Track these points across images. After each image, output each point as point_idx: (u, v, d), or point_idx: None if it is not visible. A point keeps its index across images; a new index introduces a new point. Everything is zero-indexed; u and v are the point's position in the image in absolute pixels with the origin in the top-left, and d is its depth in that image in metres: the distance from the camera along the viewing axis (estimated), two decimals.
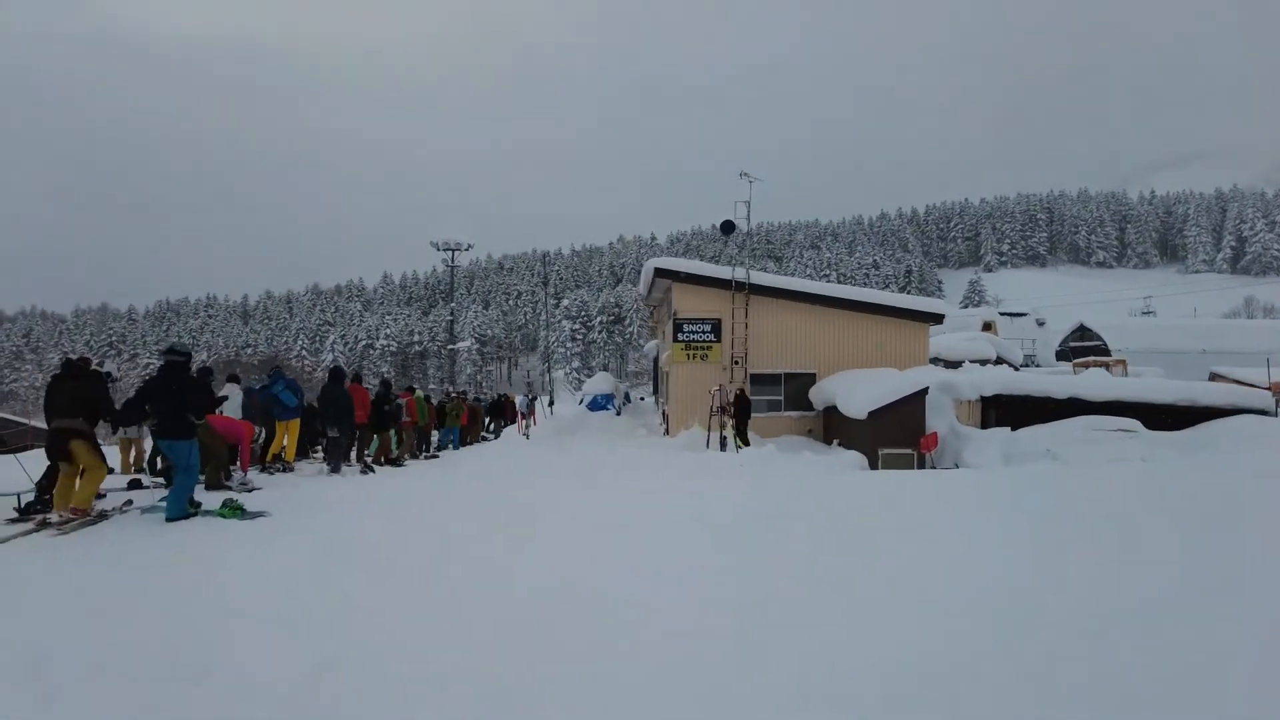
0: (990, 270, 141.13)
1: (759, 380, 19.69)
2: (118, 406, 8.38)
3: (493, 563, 5.62)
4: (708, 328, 19.68)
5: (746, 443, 17.10)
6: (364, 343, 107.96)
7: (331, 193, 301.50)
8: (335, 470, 12.58)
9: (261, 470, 12.63)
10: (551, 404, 28.09)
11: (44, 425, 8.22)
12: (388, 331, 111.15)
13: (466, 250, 56.92)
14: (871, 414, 16.71)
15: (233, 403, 12.58)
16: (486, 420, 27.11)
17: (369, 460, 14.40)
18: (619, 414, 25.11)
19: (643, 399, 33.72)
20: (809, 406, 19.92)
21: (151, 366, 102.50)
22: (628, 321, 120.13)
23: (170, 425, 7.42)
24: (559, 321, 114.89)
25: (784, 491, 8.61)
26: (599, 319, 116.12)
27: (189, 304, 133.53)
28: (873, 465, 16.53)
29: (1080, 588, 4.51)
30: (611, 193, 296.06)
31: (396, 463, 15.20)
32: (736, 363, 19.63)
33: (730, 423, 16.79)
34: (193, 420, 7.53)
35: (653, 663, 3.74)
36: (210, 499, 8.30)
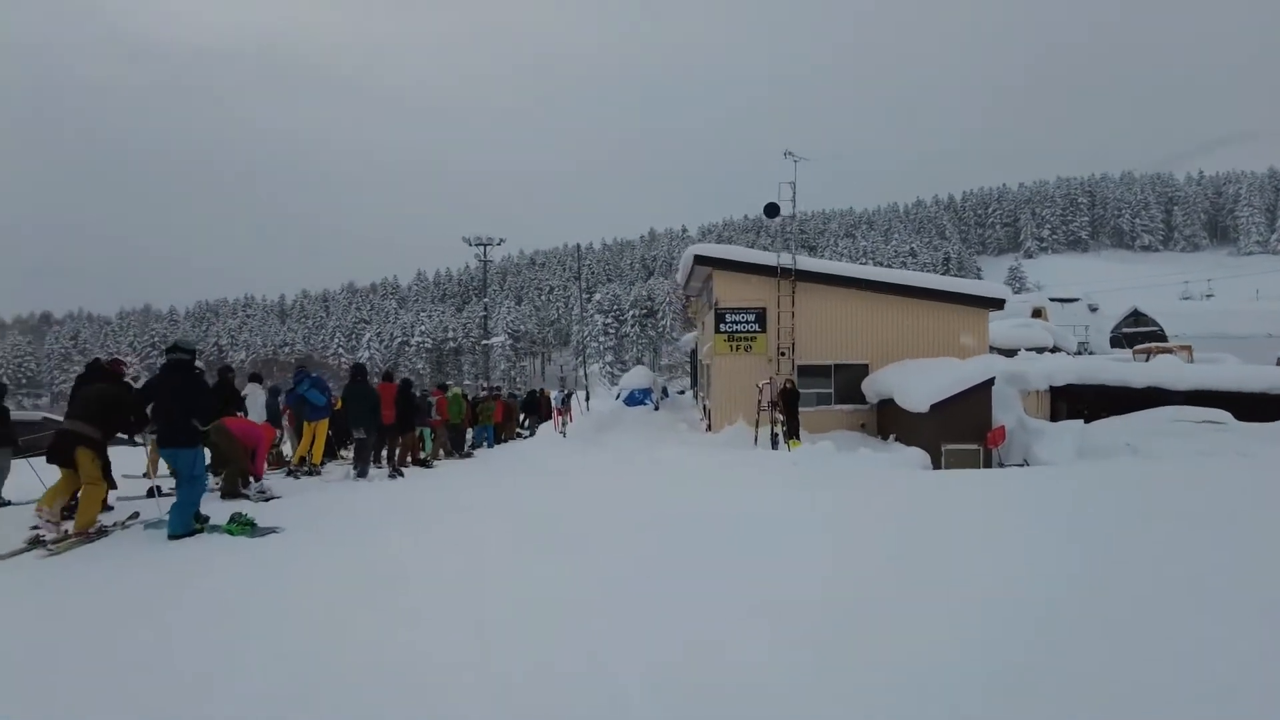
0: (1030, 256, 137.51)
1: (807, 372, 18.58)
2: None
3: (533, 602, 4.66)
4: (751, 317, 18.62)
5: (797, 439, 16.04)
6: (399, 340, 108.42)
7: (366, 192, 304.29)
8: (362, 475, 11.79)
9: (288, 474, 11.96)
10: (588, 399, 27.16)
11: None
12: (422, 328, 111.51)
13: (499, 245, 56.36)
14: (934, 407, 15.55)
15: (254, 404, 11.91)
16: (521, 417, 26.35)
17: (396, 463, 13.62)
18: (657, 409, 24.15)
19: (680, 393, 32.70)
20: (861, 400, 18.77)
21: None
22: (660, 315, 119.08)
23: (172, 431, 6.62)
24: (591, 316, 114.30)
25: (865, 519, 7.61)
26: (631, 313, 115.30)
27: (227, 304, 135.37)
28: (935, 462, 15.39)
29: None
30: (642, 186, 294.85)
31: (425, 464, 14.43)
32: (783, 354, 18.54)
33: (781, 418, 15.72)
34: (197, 426, 6.72)
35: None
36: (223, 510, 7.54)
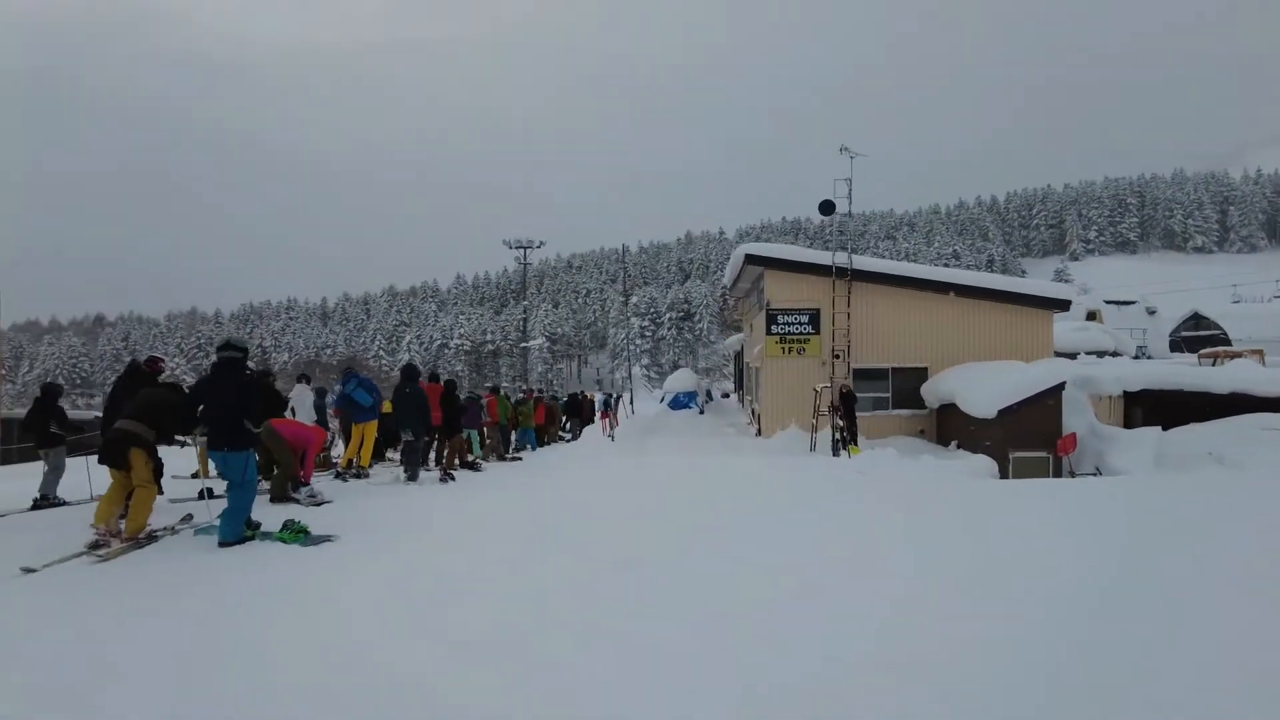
0: (1076, 259, 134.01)
1: (863, 375, 17.91)
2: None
3: (602, 635, 4.17)
4: (805, 319, 18.01)
5: (856, 445, 15.40)
6: (439, 342, 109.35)
7: (405, 195, 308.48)
8: (413, 478, 11.44)
9: (336, 477, 11.69)
10: (632, 402, 26.72)
11: None
12: (461, 331, 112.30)
13: (538, 248, 56.41)
14: (1001, 413, 14.82)
15: (302, 405, 11.66)
16: (563, 419, 26.01)
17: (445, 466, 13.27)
18: (702, 413, 23.62)
19: (725, 396, 32.11)
20: (920, 404, 18.04)
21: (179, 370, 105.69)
22: (697, 318, 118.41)
23: (222, 434, 6.30)
24: (628, 319, 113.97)
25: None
26: (668, 315, 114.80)
27: (270, 306, 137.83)
28: (1002, 470, 14.65)
29: None
30: (678, 189, 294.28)
31: (474, 466, 14.08)
32: (837, 356, 17.90)
33: (841, 424, 15.09)
34: (250, 429, 6.39)
35: None
36: (272, 515, 7.21)
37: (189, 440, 9.43)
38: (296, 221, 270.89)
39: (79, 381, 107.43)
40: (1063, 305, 18.58)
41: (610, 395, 22.36)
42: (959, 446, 16.55)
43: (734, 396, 30.66)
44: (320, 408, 12.23)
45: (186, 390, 7.66)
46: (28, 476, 15.90)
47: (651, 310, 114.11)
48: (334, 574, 5.40)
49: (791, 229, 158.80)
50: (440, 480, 11.52)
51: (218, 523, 7.13)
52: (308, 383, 12.28)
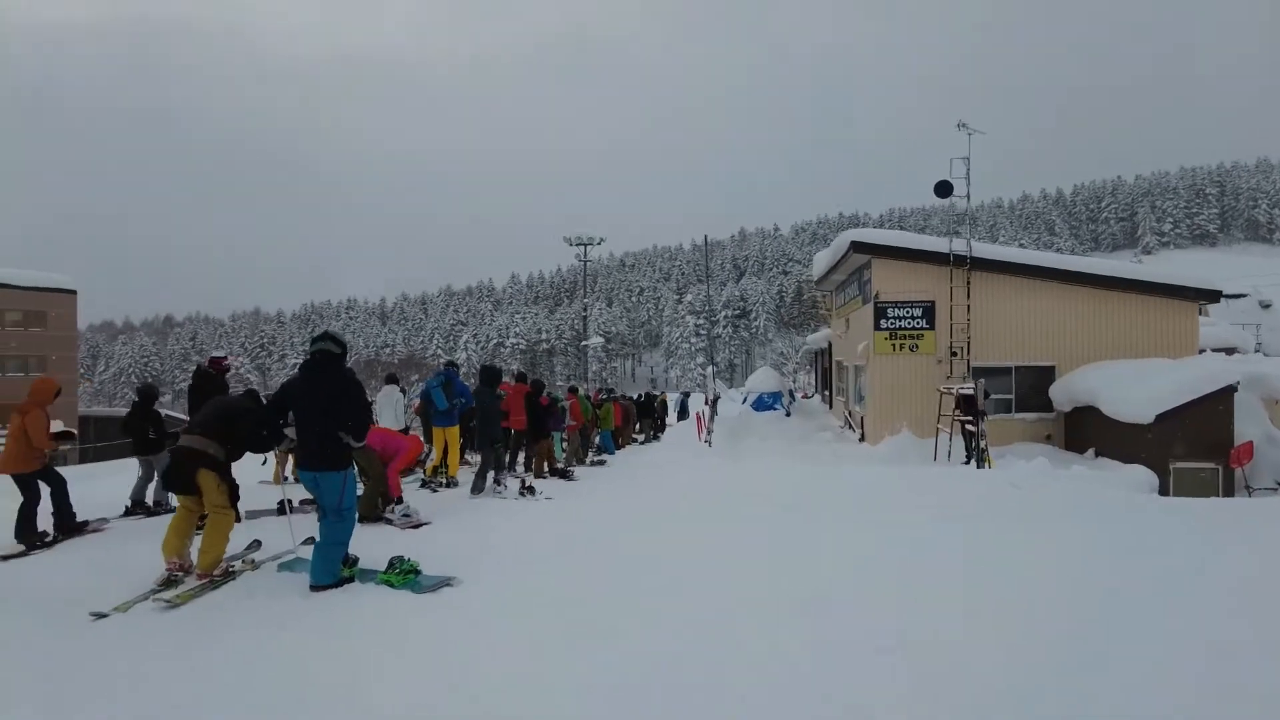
0: (1149, 252, 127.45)
1: (982, 375, 16.09)
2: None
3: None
4: (918, 312, 16.30)
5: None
6: (495, 341, 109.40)
7: (464, 196, 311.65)
8: (477, 491, 9.97)
9: (422, 485, 10.54)
10: (716, 403, 25.21)
11: None
12: (517, 330, 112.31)
13: (598, 245, 55.37)
14: (1160, 418, 12.95)
15: (389, 409, 10.50)
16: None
17: (524, 477, 11.86)
18: (789, 415, 22.01)
19: (807, 397, 30.36)
20: (1047, 407, 16.19)
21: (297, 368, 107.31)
22: (754, 316, 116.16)
23: (317, 449, 5.05)
24: (683, 317, 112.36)
25: None
26: (724, 314, 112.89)
27: (331, 306, 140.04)
28: (1162, 484, 12.80)
29: None
30: (731, 185, 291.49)
31: (565, 474, 12.79)
32: (955, 354, 16.16)
33: (975, 430, 13.36)
34: (351, 443, 5.12)
35: None
36: (365, 541, 5.96)
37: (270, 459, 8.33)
38: (355, 223, 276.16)
39: (150, 379, 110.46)
40: (1212, 296, 16.53)
41: (714, 396, 20.57)
42: (1098, 455, 14.70)
43: (816, 397, 28.92)
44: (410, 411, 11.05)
45: (261, 396, 6.51)
46: (108, 475, 15.26)
47: (706, 309, 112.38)
48: (467, 636, 4.07)
49: (848, 223, 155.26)
50: (520, 494, 10.10)
51: (301, 552, 5.95)
52: (396, 383, 11.12)
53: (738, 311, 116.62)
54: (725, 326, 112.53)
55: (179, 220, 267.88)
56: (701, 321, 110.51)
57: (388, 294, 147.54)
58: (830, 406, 24.24)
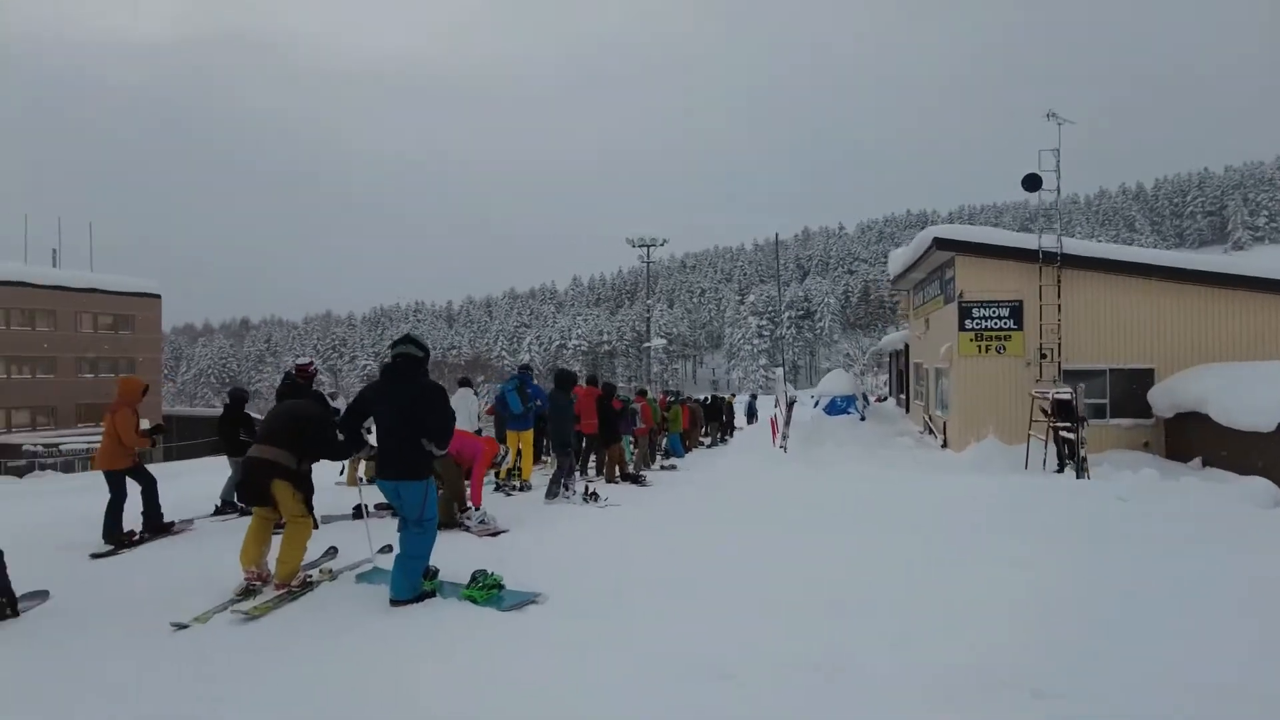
0: (1241, 248, 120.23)
1: (1075, 378, 15.17)
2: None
3: None
4: (1005, 312, 15.48)
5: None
6: (557, 343, 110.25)
7: (524, 200, 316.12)
8: (551, 496, 9.79)
9: (496, 489, 10.40)
10: (790, 407, 24.58)
11: None
12: (579, 332, 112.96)
13: (661, 245, 55.18)
14: None
15: (464, 412, 10.37)
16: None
17: (590, 483, 11.59)
18: (863, 419, 21.29)
19: (880, 400, 29.45)
20: (1145, 412, 15.17)
21: (370, 370, 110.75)
22: (818, 316, 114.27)
23: (398, 457, 4.83)
24: (745, 318, 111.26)
25: None
26: (787, 314, 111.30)
27: (399, 309, 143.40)
28: None
29: None
30: (795, 184, 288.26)
31: (637, 479, 12.49)
32: (1045, 356, 15.29)
33: (1073, 437, 12.53)
34: (434, 451, 4.90)
35: None
36: (443, 550, 5.75)
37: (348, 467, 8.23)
38: (422, 227, 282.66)
39: (226, 381, 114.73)
40: None
41: (790, 400, 19.81)
42: (1205, 464, 13.67)
43: (890, 401, 28.01)
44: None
45: (329, 400, 6.38)
46: (191, 474, 15.62)
47: (770, 309, 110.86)
48: (560, 666, 3.78)
49: (918, 221, 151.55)
50: (584, 500, 9.82)
51: (379, 561, 5.78)
52: (470, 386, 11.02)
53: (801, 312, 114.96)
54: (789, 328, 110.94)
55: (255, 226, 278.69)
56: (764, 323, 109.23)
57: (454, 297, 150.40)
58: (907, 411, 23.40)
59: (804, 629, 4.29)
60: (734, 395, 30.33)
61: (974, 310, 15.62)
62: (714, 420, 25.16)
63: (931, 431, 17.99)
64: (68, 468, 34.10)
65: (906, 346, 23.47)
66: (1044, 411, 12.93)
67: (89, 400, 42.54)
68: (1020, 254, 15.48)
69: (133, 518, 7.23)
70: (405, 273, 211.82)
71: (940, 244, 15.88)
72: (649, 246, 54.56)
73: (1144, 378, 15.31)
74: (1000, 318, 15.52)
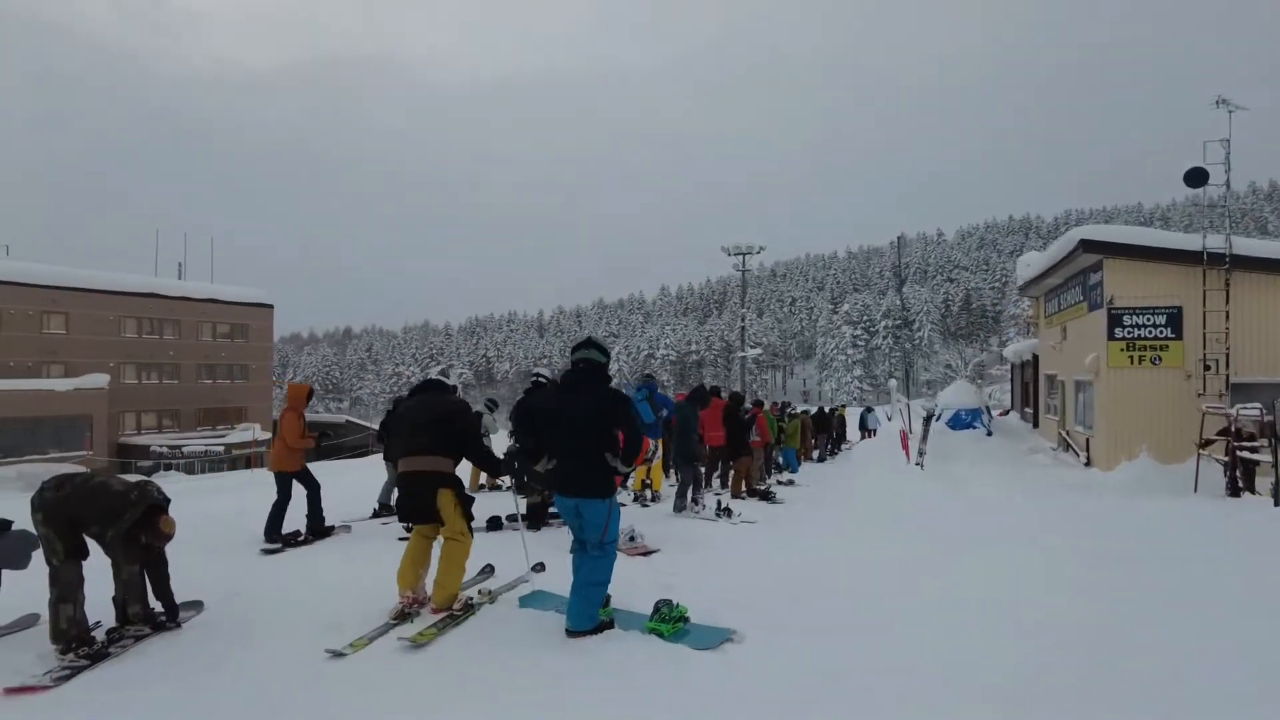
0: None
1: (1243, 392, 13.75)
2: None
3: None
4: (1161, 319, 14.16)
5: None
6: (645, 352, 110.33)
7: (612, 210, 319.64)
8: (678, 510, 9.44)
9: (634, 499, 10.10)
10: (915, 421, 23.48)
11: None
12: (667, 341, 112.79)
13: (758, 253, 54.26)
14: None
15: None
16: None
17: (720, 497, 11.12)
18: (990, 434, 20.01)
19: (1003, 414, 27.79)
20: None
21: (464, 377, 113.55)
22: (916, 325, 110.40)
23: (581, 473, 4.43)
24: (838, 328, 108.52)
25: None
26: (883, 324, 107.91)
27: (494, 319, 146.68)
28: None
29: None
30: (885, 190, 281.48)
31: (767, 496, 11.91)
32: (1208, 367, 13.90)
33: (1263, 460, 11.25)
34: (620, 467, 4.50)
35: None
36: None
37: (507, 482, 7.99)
38: (515, 238, 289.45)
39: (330, 388, 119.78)
40: None
41: (929, 414, 18.62)
42: None
43: (1013, 414, 26.36)
44: None
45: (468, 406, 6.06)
46: (350, 474, 15.75)
47: (865, 319, 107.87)
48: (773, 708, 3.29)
49: (1019, 228, 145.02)
50: (716, 515, 9.36)
51: (535, 581, 5.43)
52: None
53: (899, 321, 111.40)
54: (885, 338, 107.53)
55: (358, 237, 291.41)
56: (859, 332, 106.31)
57: (545, 307, 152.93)
58: (1034, 425, 21.92)
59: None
60: (844, 406, 29.16)
61: (1125, 317, 14.35)
62: (824, 433, 24.24)
63: (1069, 448, 16.67)
64: (189, 469, 35.99)
65: (1035, 357, 22.00)
66: (1229, 431, 11.64)
67: (207, 405, 44.90)
68: (1179, 256, 14.15)
69: (297, 521, 7.48)
70: (498, 282, 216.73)
71: (1088, 246, 14.67)
72: (744, 255, 53.77)
73: None
74: (1156, 325, 14.21)
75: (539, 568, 5.82)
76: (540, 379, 8.92)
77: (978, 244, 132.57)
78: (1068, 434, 17.54)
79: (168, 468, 36.49)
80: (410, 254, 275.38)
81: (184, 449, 40.47)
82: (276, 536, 7.12)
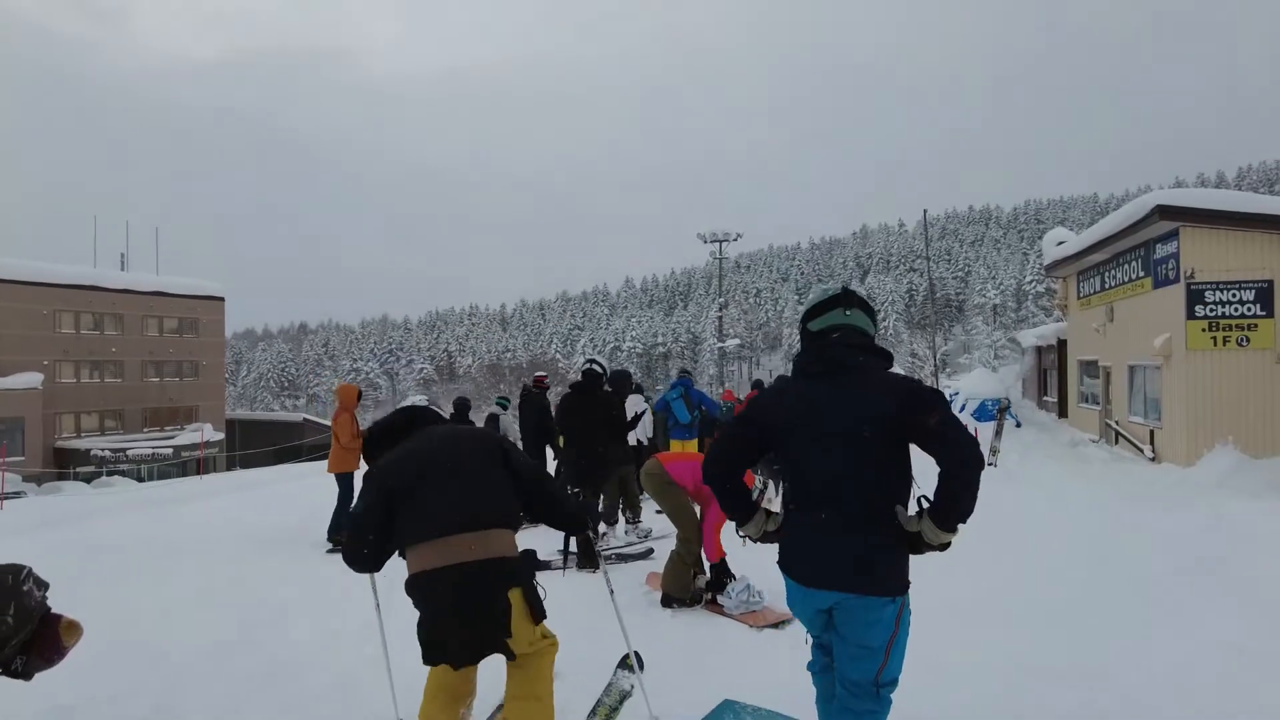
0: None
1: None
2: None
3: None
4: (1250, 295, 12.53)
5: None
6: (611, 345, 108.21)
7: (573, 200, 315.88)
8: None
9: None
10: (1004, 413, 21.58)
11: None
12: (633, 334, 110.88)
13: (735, 240, 52.67)
14: None
15: (639, 423, 8.04)
16: None
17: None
18: (1019, 425, 18.35)
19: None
20: None
21: (424, 372, 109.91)
22: (882, 316, 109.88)
23: (847, 542, 2.25)
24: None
25: None
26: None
27: (454, 313, 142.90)
28: None
29: None
30: (845, 183, 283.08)
31: None
32: None
33: None
34: (928, 534, 2.40)
35: None
36: (700, 652, 3.28)
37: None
38: (474, 230, 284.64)
39: (285, 385, 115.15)
40: None
41: (1002, 404, 16.46)
42: None
43: (1030, 403, 24.78)
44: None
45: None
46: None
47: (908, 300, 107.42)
48: None
49: (980, 217, 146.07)
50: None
51: (624, 681, 3.34)
52: (640, 391, 8.76)
53: (924, 298, 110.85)
54: None
55: (311, 231, 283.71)
56: None
57: (508, 299, 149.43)
58: (1061, 415, 20.33)
59: None
60: None
61: (1207, 293, 12.70)
62: None
63: (1133, 441, 15.02)
64: (135, 474, 33.00)
65: (1061, 341, 20.40)
66: None
67: (155, 404, 41.64)
68: (1271, 222, 12.53)
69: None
70: (460, 275, 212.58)
71: (1164, 212, 12.93)
72: (721, 242, 52.08)
73: None
74: (1243, 302, 12.57)
75: (634, 664, 3.66)
76: (597, 367, 6.81)
77: (939, 233, 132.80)
78: (1115, 424, 15.92)
79: (111, 473, 33.57)
80: (366, 247, 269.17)
81: (129, 452, 37.43)
82: (340, 535, 7.01)
